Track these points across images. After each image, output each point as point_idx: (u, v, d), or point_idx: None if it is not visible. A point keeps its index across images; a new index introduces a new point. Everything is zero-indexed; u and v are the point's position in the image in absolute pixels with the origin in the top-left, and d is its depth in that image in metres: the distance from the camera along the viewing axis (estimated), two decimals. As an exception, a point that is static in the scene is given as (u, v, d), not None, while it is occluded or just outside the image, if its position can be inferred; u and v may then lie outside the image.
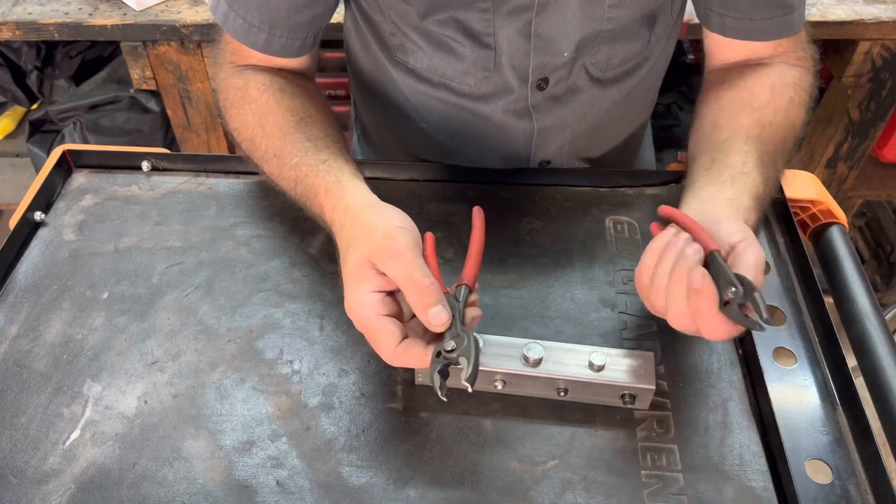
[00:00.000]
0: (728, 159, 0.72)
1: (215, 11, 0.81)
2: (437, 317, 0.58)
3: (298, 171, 0.72)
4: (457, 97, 0.87)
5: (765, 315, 0.55)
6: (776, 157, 0.75)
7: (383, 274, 0.60)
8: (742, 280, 0.57)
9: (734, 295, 0.56)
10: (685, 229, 0.63)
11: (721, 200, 0.67)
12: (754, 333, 0.69)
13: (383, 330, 0.59)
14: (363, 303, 0.60)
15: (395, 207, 0.65)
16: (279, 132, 0.76)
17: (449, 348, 0.58)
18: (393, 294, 0.62)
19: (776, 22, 0.80)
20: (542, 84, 0.85)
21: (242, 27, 0.79)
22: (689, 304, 0.58)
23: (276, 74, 0.82)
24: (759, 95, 0.79)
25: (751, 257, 0.59)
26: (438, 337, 0.60)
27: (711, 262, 0.59)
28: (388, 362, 0.60)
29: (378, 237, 0.60)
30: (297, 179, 0.73)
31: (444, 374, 0.58)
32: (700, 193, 0.70)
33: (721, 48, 0.86)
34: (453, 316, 0.60)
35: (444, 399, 0.57)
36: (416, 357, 0.59)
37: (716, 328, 0.58)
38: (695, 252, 0.60)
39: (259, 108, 0.78)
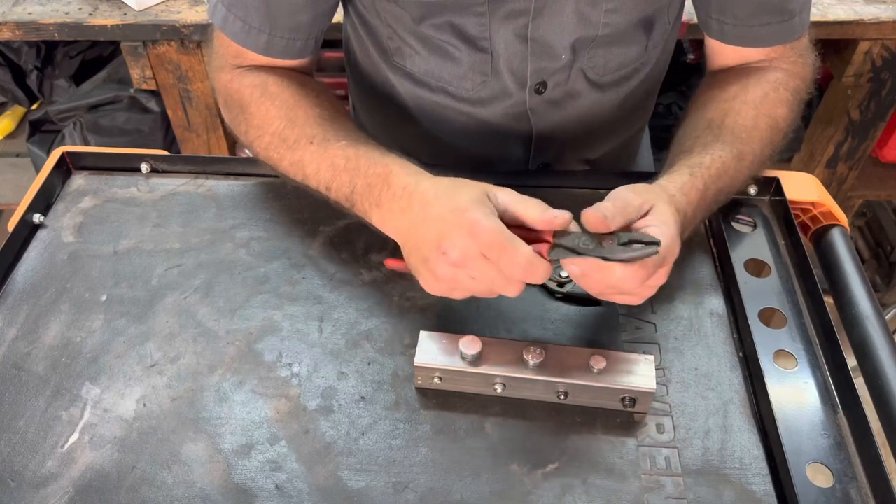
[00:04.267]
0: (680, 148, 0.76)
1: (213, 15, 0.80)
2: (562, 214, 0.62)
3: (357, 149, 0.72)
4: (455, 101, 0.87)
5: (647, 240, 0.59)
6: (744, 139, 0.76)
7: None
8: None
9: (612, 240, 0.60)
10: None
11: (656, 188, 0.68)
12: (755, 335, 0.69)
13: (517, 241, 0.60)
14: (495, 221, 0.61)
15: None
16: (315, 121, 0.76)
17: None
18: None
19: (774, 28, 0.80)
20: (541, 88, 0.85)
21: (242, 30, 0.79)
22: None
23: (287, 73, 0.82)
24: (728, 90, 0.81)
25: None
26: None
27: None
28: (522, 275, 0.60)
29: (480, 184, 0.64)
30: (353, 157, 0.71)
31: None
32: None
33: (717, 53, 0.86)
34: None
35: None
36: (544, 266, 0.61)
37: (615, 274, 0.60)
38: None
39: (285, 102, 0.77)
